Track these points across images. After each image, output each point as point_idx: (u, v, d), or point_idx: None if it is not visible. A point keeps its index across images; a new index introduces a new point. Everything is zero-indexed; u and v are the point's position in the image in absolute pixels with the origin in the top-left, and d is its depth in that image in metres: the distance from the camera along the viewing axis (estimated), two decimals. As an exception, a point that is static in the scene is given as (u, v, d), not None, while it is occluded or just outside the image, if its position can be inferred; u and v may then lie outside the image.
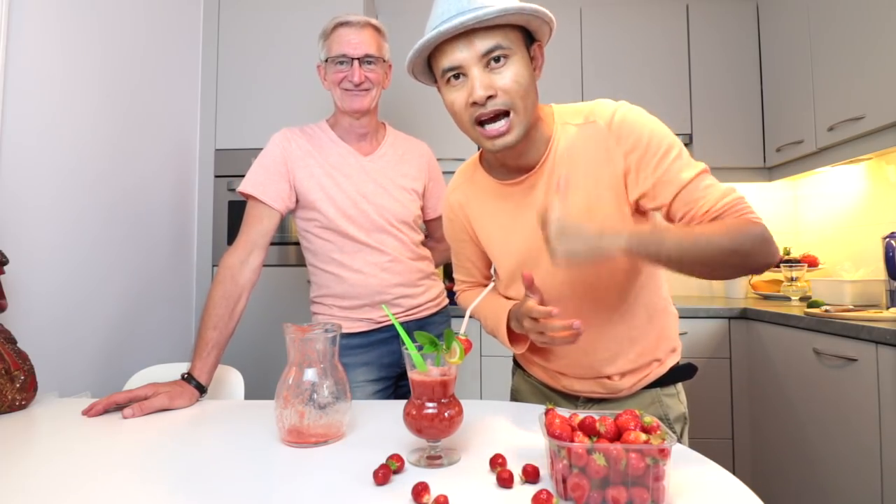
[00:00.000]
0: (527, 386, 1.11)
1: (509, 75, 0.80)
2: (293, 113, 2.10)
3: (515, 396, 1.14)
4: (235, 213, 2.10)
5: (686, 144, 2.43)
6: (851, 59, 1.81)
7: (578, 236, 0.74)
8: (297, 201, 1.31)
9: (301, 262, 2.09)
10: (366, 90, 1.26)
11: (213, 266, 2.11)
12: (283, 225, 2.09)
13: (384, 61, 1.30)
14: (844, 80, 1.85)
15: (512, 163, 0.92)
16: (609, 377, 0.96)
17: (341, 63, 1.25)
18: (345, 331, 1.30)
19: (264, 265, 2.14)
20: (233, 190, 2.09)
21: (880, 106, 1.68)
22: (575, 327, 0.77)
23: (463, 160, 1.19)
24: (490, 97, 0.79)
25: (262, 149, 1.32)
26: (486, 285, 1.11)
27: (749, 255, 0.77)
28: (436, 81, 0.89)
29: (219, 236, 2.12)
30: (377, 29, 1.29)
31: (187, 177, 2.09)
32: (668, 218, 0.86)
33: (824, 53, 1.96)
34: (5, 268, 1.08)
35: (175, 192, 1.99)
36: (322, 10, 2.12)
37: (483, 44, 0.79)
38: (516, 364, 1.15)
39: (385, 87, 1.33)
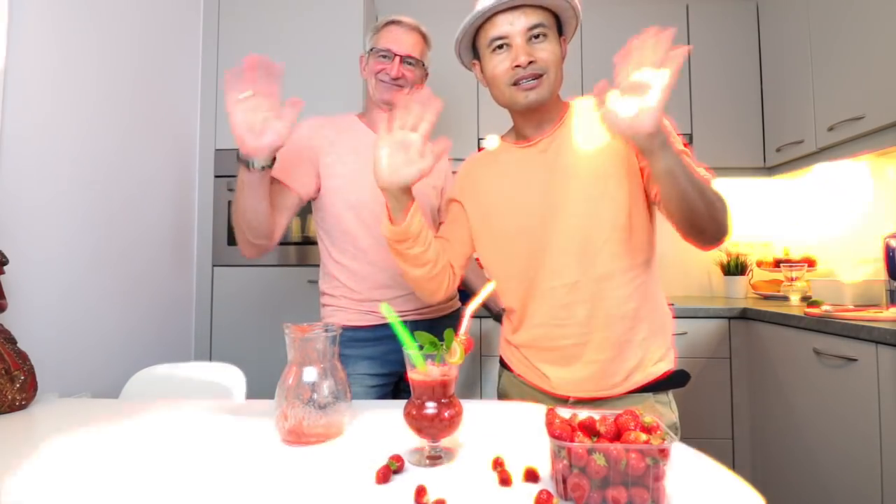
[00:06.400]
0: (514, 388, 1.10)
1: (548, 48, 0.97)
2: (293, 113, 2.11)
3: (503, 399, 1.13)
4: (235, 213, 2.10)
5: (686, 145, 2.43)
6: (851, 59, 1.81)
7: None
8: (319, 190, 1.30)
9: (301, 262, 2.09)
10: (400, 86, 1.31)
11: (214, 266, 2.11)
12: (283, 225, 2.09)
13: (423, 66, 1.34)
14: (844, 80, 1.85)
15: (531, 132, 1.04)
16: (600, 364, 0.97)
17: (384, 57, 1.30)
18: (354, 324, 1.30)
19: (264, 265, 2.13)
20: (233, 190, 2.09)
21: (880, 106, 1.68)
22: None
23: (462, 160, 1.20)
24: (531, 62, 0.95)
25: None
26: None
27: (714, 205, 0.85)
28: (474, 59, 1.04)
29: (219, 236, 2.11)
30: (424, 36, 1.34)
31: (187, 177, 2.09)
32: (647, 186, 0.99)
33: (824, 53, 1.96)
34: (5, 268, 1.08)
35: (175, 192, 1.99)
36: (322, 10, 2.13)
37: (528, 20, 0.95)
38: (503, 365, 1.14)
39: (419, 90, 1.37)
